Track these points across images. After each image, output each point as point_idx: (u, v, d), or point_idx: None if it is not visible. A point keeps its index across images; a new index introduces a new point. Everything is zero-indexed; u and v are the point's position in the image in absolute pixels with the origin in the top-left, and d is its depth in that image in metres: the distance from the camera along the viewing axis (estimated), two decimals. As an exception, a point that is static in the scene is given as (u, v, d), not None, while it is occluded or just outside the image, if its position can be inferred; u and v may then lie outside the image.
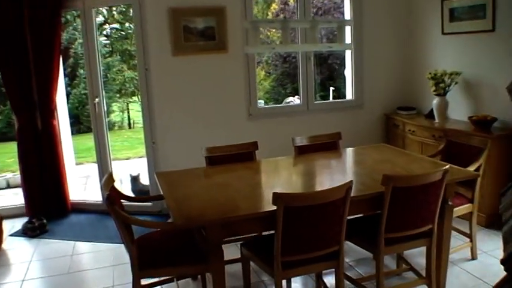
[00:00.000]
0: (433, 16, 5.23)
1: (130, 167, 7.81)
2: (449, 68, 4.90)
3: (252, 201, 2.75)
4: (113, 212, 2.74)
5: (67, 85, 12.10)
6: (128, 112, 14.77)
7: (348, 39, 5.51)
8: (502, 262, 1.54)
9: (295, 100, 9.50)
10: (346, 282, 3.08)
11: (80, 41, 11.37)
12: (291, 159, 3.83)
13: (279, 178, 3.41)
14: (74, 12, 9.81)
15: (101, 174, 5.37)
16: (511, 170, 4.32)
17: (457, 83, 4.84)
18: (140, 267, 2.82)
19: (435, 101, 4.96)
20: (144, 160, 5.29)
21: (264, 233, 3.00)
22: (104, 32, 14.06)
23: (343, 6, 5.85)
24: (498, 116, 4.42)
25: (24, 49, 4.98)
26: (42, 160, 5.24)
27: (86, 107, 12.34)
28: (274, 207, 2.47)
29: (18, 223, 5.03)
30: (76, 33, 12.37)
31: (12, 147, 5.21)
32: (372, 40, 5.57)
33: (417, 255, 3.70)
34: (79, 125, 12.46)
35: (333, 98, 10.15)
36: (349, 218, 2.72)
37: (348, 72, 5.80)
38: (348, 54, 5.72)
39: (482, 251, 3.90)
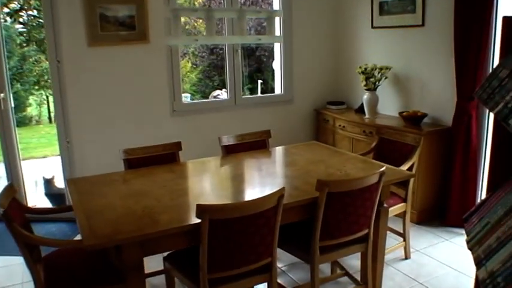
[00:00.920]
0: (363, 9, 5.12)
1: (47, 167, 7.28)
2: (380, 62, 4.82)
3: (174, 212, 2.44)
4: (12, 231, 2.36)
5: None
6: (48, 105, 13.88)
7: (277, 31, 5.31)
8: None
9: (222, 93, 9.24)
10: (279, 294, 2.87)
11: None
12: (218, 160, 3.55)
13: (204, 183, 3.13)
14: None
15: (10, 176, 4.86)
16: (443, 166, 4.30)
17: (387, 77, 4.76)
18: (47, 290, 2.46)
19: (365, 95, 4.86)
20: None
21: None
22: (21, 19, 13.10)
23: (272, -3, 5.63)
24: (428, 112, 4.38)
25: None
26: None
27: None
28: (198, 220, 2.20)
29: None
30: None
31: None
32: (301, 33, 5.40)
33: (352, 257, 3.56)
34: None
35: (261, 91, 9.98)
36: (280, 224, 2.50)
37: (277, 66, 5.59)
38: (277, 47, 5.51)
39: (415, 249, 3.84)
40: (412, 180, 3.52)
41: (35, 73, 12.89)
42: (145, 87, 4.72)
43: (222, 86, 10.66)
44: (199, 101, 8.21)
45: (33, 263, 2.43)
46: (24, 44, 12.72)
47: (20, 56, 12.29)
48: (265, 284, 2.61)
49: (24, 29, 13.10)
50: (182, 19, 4.78)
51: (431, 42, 4.39)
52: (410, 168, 3.45)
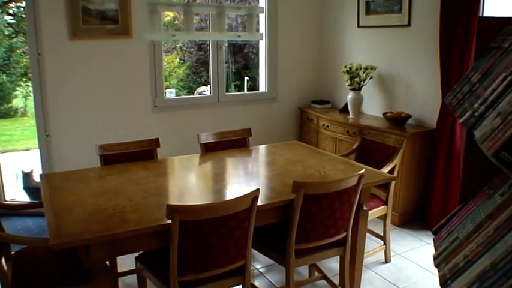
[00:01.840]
0: (349, 8, 5.07)
1: (29, 160, 7.17)
2: (365, 62, 4.77)
3: (145, 212, 2.37)
4: (-24, 226, 2.29)
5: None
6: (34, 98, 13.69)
7: (262, 28, 5.24)
8: None
9: (208, 90, 9.13)
10: (254, 296, 2.82)
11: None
12: (196, 158, 3.48)
13: (180, 181, 3.06)
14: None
15: (-12, 171, 4.76)
16: (426, 168, 4.26)
17: (372, 77, 4.72)
18: (13, 289, 2.39)
19: (350, 95, 4.81)
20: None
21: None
22: (10, 11, 12.92)
23: (258, -7, 5.56)
24: (412, 113, 4.34)
25: None
26: None
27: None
28: (168, 221, 2.13)
29: None
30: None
31: None
32: (286, 30, 5.34)
33: (331, 259, 3.51)
34: (-26, 112, 11.40)
35: (248, 88, 9.90)
36: (256, 226, 2.44)
37: (262, 63, 5.53)
38: (262, 45, 5.45)
39: (396, 253, 3.80)
40: (393, 182, 3.47)
41: (22, 65, 12.72)
42: (127, 82, 4.63)
43: (209, 82, 10.56)
44: (182, 97, 8.13)
45: (-1, 260, 2.36)
46: (13, 35, 12.54)
47: (8, 47, 12.12)
48: (240, 286, 2.55)
49: (13, 20, 12.92)
50: (171, 14, 4.69)
51: (417, 43, 4.35)
52: (392, 171, 3.40)
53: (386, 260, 3.67)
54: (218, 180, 3.06)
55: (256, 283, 3.33)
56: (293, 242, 2.58)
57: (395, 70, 4.63)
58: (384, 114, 4.46)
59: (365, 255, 3.18)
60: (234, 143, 3.72)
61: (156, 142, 3.44)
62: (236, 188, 2.85)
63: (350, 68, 4.70)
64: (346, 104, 4.91)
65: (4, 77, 12.10)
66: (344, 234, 2.78)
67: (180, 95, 9.75)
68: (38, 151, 7.93)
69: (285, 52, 5.39)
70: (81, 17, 4.36)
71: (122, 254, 2.32)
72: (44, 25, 4.25)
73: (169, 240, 2.16)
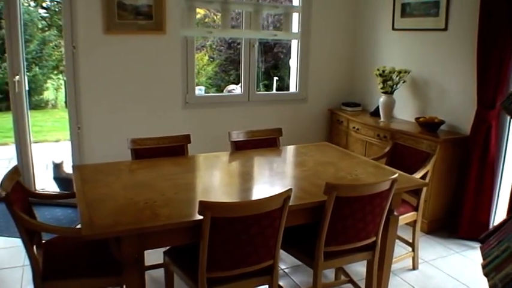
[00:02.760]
0: (384, 10, 5.01)
1: (59, 151, 7.28)
2: (398, 65, 4.70)
3: (176, 207, 2.38)
4: (12, 215, 2.32)
5: (-4, 58, 11.26)
6: (65, 90, 13.90)
7: (295, 28, 5.22)
8: None
9: (237, 88, 9.15)
10: (280, 297, 2.80)
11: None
12: (226, 156, 3.49)
13: (210, 178, 3.07)
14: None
15: (20, 159, 4.86)
16: (458, 176, 4.19)
17: (405, 81, 4.65)
18: (44, 278, 2.42)
19: (382, 99, 4.76)
20: (72, 144, 4.81)
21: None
22: (44, 4, 13.17)
23: (292, -8, 5.53)
24: (445, 119, 4.27)
25: None
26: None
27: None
28: (200, 217, 2.13)
29: None
30: (9, 2, 11.46)
31: None
32: (319, 30, 5.29)
33: (357, 263, 3.47)
34: (8, 102, 11.60)
35: (277, 88, 9.89)
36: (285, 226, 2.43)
37: (293, 63, 5.50)
38: (294, 44, 5.42)
39: (424, 260, 3.74)
40: (424, 188, 3.41)
41: (54, 58, 12.94)
42: (158, 77, 4.67)
43: (237, 80, 10.57)
44: (212, 94, 8.14)
45: (31, 248, 2.39)
46: (46, 29, 12.77)
47: (41, 40, 12.35)
48: (266, 286, 2.54)
49: (47, 14, 13.16)
50: (201, 11, 4.71)
51: (453, 48, 4.27)
52: (423, 177, 3.35)
53: (414, 267, 3.61)
54: (248, 179, 3.06)
55: (281, 283, 3.31)
56: (322, 244, 2.56)
57: (429, 74, 4.56)
58: (417, 119, 4.39)
59: (392, 261, 3.13)
60: (264, 142, 3.71)
61: (187, 138, 3.45)
62: (266, 187, 2.84)
63: (383, 71, 4.65)
64: (378, 107, 4.85)
65: (37, 69, 12.34)
66: (374, 238, 2.74)
67: (208, 93, 9.79)
68: (68, 143, 8.04)
69: (317, 52, 5.35)
70: (117, 11, 4.40)
71: (151, 248, 2.33)
72: (79, 19, 4.31)
73: (199, 236, 2.16)
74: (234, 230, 2.19)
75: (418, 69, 4.64)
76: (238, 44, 10.68)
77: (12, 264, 3.63)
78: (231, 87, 9.75)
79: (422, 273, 3.57)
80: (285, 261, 3.63)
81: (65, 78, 13.36)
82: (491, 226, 3.98)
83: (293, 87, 5.52)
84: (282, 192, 2.26)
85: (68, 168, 5.19)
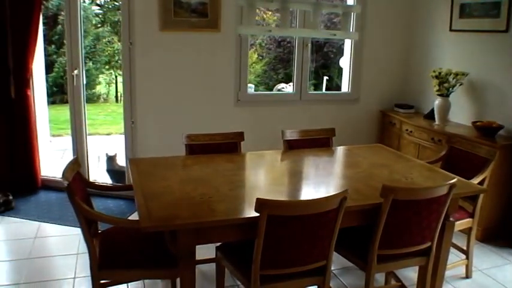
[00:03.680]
0: (442, 10, 4.88)
1: (110, 144, 7.47)
2: (456, 67, 4.57)
3: (232, 203, 2.41)
4: (74, 204, 2.40)
5: (53, 53, 11.66)
6: (116, 85, 14.29)
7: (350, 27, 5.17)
8: None
9: (287, 87, 9.14)
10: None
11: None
12: (278, 154, 3.49)
13: (264, 176, 3.08)
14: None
15: (75, 150, 5.02)
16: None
17: (462, 84, 4.52)
18: (101, 266, 2.49)
19: (437, 101, 4.64)
20: (125, 138, 4.93)
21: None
22: (98, 1, 13.56)
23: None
24: (504, 124, 4.13)
25: (2, 16, 4.58)
26: (13, 131, 4.88)
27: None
28: (256, 214, 2.14)
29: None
30: (66, 0, 11.87)
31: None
32: (374, 30, 5.21)
33: (408, 268, 3.41)
34: (63, 95, 12.00)
35: (326, 88, 9.82)
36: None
37: (346, 63, 5.45)
38: (348, 44, 5.37)
39: (477, 269, 3.63)
40: (481, 195, 3.31)
41: (106, 53, 13.30)
42: (211, 74, 4.73)
43: (286, 79, 10.55)
44: (264, 92, 8.16)
45: (90, 237, 2.47)
46: (99, 25, 13.14)
47: (94, 36, 12.72)
48: (316, 286, 2.53)
49: (100, 11, 13.54)
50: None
51: (515, 51, 4.13)
52: (481, 183, 3.25)
53: (467, 276, 3.51)
54: (301, 178, 3.05)
55: (330, 284, 3.29)
56: (376, 247, 2.52)
57: (488, 77, 4.41)
58: (474, 123, 4.27)
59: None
60: (317, 142, 3.69)
61: (240, 136, 3.48)
62: (320, 187, 2.83)
63: (439, 73, 4.54)
64: (432, 109, 4.74)
65: (90, 64, 12.70)
66: (429, 244, 2.68)
67: (257, 91, 9.83)
68: (119, 136, 8.26)
69: (370, 52, 5.28)
70: (173, 9, 4.48)
71: (205, 243, 2.37)
72: (137, 16, 4.42)
73: (255, 233, 2.17)
74: (290, 229, 2.20)
75: (476, 72, 4.50)
76: (288, 42, 10.68)
77: (66, 251, 3.76)
78: (281, 85, 9.76)
79: (475, 282, 3.47)
80: (334, 262, 3.56)
81: (117, 73, 13.79)
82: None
83: (345, 87, 5.47)
84: (338, 193, 2.25)
85: (120, 161, 5.33)
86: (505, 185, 4.04)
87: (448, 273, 3.38)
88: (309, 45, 4.97)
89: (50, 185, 5.13)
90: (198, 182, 2.71)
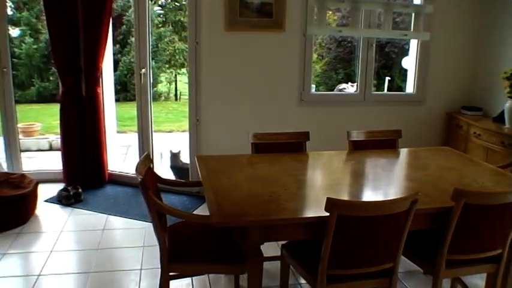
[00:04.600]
0: (514, 9, 4.70)
1: (172, 141, 7.67)
2: (529, 68, 4.40)
3: (300, 202, 2.43)
4: (146, 198, 2.49)
5: (117, 52, 12.08)
6: (176, 84, 14.65)
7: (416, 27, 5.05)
8: None
9: (348, 87, 9.07)
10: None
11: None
12: (343, 154, 3.48)
13: (330, 176, 3.08)
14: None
15: (141, 147, 5.20)
16: None
17: (535, 86, 4.34)
18: (170, 259, 2.58)
19: (508, 103, 4.47)
20: (187, 135, 5.06)
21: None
22: (159, 2, 13.94)
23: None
24: None
25: (74, 15, 4.81)
26: (83, 127, 5.11)
27: (134, 76, 12.24)
28: (326, 214, 2.15)
29: (54, 189, 4.94)
30: (130, 0, 12.27)
31: (58, 110, 5.13)
32: (442, 29, 5.07)
33: (475, 275, 3.32)
34: (126, 93, 12.42)
35: (388, 89, 9.67)
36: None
37: (411, 63, 5.34)
38: (413, 44, 5.26)
39: (550, 279, 3.48)
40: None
41: (167, 52, 13.63)
42: (275, 74, 4.77)
43: (346, 79, 10.47)
44: (328, 92, 8.14)
45: (161, 231, 2.55)
46: (160, 25, 13.48)
47: (157, 36, 13.06)
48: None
49: (162, 11, 13.90)
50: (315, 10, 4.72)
51: None
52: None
53: (539, 286, 3.37)
54: (368, 179, 3.04)
55: (394, 287, 3.26)
56: (445, 251, 2.48)
57: None
58: (548, 127, 4.10)
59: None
60: (383, 143, 3.65)
61: (305, 135, 3.50)
62: (388, 189, 2.81)
63: (511, 74, 4.37)
64: (502, 112, 4.58)
65: (153, 63, 13.08)
66: (500, 250, 2.60)
67: (318, 91, 9.81)
68: (180, 134, 8.45)
69: (438, 53, 5.14)
70: (238, 9, 4.55)
71: (273, 241, 2.41)
72: (203, 16, 4.52)
73: (323, 232, 2.19)
74: (359, 229, 2.20)
75: (552, 74, 4.31)
76: (349, 42, 10.59)
77: (133, 244, 3.91)
78: (342, 86, 9.69)
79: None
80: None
81: (177, 72, 14.11)
82: None
83: (409, 88, 5.36)
84: (409, 195, 2.23)
85: (184, 158, 5.46)
86: None
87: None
88: (374, 45, 4.92)
89: (115, 179, 5.34)
90: (265, 180, 2.75)
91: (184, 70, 14.07)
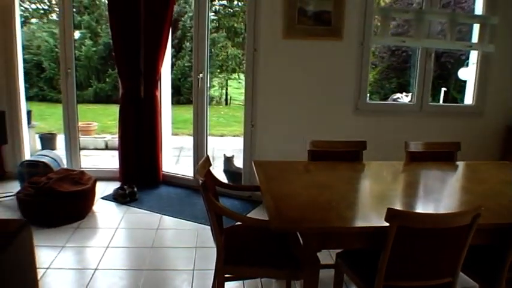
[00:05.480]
0: None
1: (224, 145, 7.78)
2: None
3: (359, 211, 2.44)
4: (207, 200, 2.55)
5: (172, 56, 12.37)
6: (227, 89, 14.84)
7: (475, 37, 4.92)
8: None
9: (402, 97, 8.95)
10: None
11: (190, 14, 11.52)
12: (401, 165, 3.45)
13: (389, 186, 3.06)
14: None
15: (196, 149, 5.33)
16: None
17: None
18: (226, 261, 2.63)
19: None
20: (238, 140, 5.15)
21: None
22: (213, 8, 14.17)
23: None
24: None
25: (137, 19, 4.99)
26: (140, 129, 5.27)
27: (187, 80, 12.52)
28: (385, 224, 2.15)
29: (110, 187, 5.12)
30: (187, 6, 12.54)
31: (113, 110, 5.33)
32: (505, 41, 4.92)
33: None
34: (178, 97, 12.68)
35: (443, 100, 9.46)
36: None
37: (470, 74, 5.22)
38: (473, 55, 5.14)
39: None
40: None
41: (220, 58, 13.82)
42: (331, 82, 4.78)
43: (399, 89, 10.32)
44: (384, 102, 8.07)
45: (219, 233, 2.61)
46: (213, 30, 13.70)
47: (210, 41, 13.25)
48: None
49: (215, 17, 14.11)
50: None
51: None
52: None
53: None
54: (426, 190, 3.00)
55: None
56: (506, 269, 2.42)
57: None
58: None
59: None
60: (441, 155, 3.60)
61: (362, 144, 3.49)
62: (447, 201, 2.77)
63: None
64: None
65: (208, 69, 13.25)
66: None
67: (371, 100, 9.71)
68: (232, 138, 8.55)
69: (499, 64, 5.00)
70: (297, 17, 4.59)
71: (330, 248, 2.42)
72: (262, 23, 4.59)
73: (381, 243, 2.18)
74: (419, 242, 2.18)
75: None
76: (404, 51, 10.43)
77: (185, 244, 3.99)
78: (396, 95, 9.58)
79: None
80: (453, 281, 3.48)
81: (228, 77, 14.29)
82: None
83: (468, 99, 5.25)
84: (472, 209, 2.19)
85: (237, 162, 5.53)
86: None
87: None
88: (433, 55, 4.85)
89: (169, 180, 5.48)
90: (323, 187, 2.77)
91: (235, 75, 14.23)
